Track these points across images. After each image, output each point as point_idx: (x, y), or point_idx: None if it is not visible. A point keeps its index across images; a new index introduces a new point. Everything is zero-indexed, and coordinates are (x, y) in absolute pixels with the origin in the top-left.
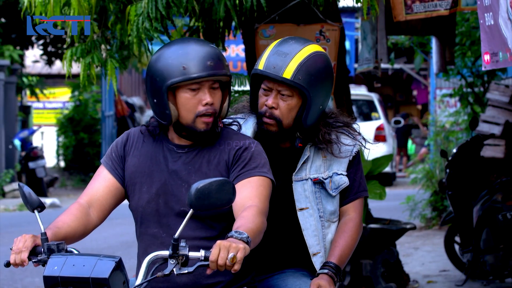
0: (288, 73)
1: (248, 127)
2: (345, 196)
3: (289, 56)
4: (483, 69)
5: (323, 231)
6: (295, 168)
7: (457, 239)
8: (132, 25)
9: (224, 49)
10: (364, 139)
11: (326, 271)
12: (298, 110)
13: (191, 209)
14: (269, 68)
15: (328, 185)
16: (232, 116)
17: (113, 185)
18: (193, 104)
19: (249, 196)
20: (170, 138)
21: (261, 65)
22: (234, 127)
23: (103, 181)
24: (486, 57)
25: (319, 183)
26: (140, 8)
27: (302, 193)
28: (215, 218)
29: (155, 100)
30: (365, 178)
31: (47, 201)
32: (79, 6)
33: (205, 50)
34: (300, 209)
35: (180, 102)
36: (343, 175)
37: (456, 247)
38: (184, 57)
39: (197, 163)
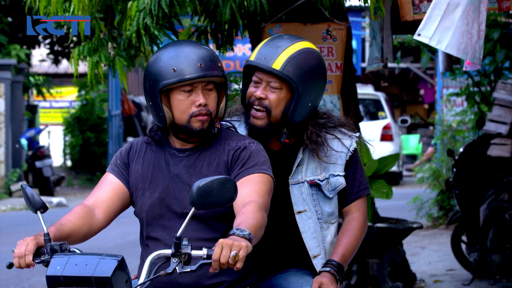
0: (277, 64)
1: (242, 129)
2: (347, 197)
3: (281, 48)
4: (464, 68)
5: (322, 233)
6: (290, 171)
7: (464, 238)
8: (132, 20)
9: (232, 49)
10: (360, 137)
11: (328, 269)
12: (286, 104)
13: (193, 208)
14: (260, 58)
15: (324, 187)
16: (228, 119)
17: (120, 188)
18: (186, 106)
19: (248, 193)
20: (171, 142)
21: (252, 56)
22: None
23: (109, 184)
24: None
25: (315, 185)
26: (142, 4)
27: (299, 196)
28: (218, 219)
29: (150, 103)
30: (372, 178)
31: (53, 200)
32: (79, 2)
33: (196, 52)
34: (298, 212)
35: (173, 104)
36: (340, 176)
37: (463, 246)
38: (175, 59)
39: (198, 165)
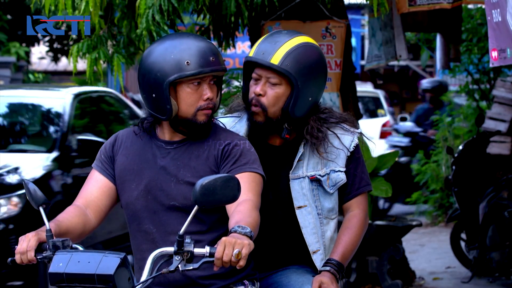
0: (276, 59)
1: (242, 124)
2: (347, 193)
3: (279, 43)
4: (490, 65)
5: (322, 229)
6: (291, 166)
7: (463, 236)
8: (142, 18)
9: (233, 46)
10: (361, 133)
11: (328, 268)
12: (286, 100)
13: (196, 206)
14: (258, 54)
15: (325, 183)
16: (228, 115)
17: (106, 185)
18: (194, 99)
19: (242, 191)
20: (159, 134)
21: (251, 52)
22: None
23: (95, 183)
24: (494, 54)
25: (316, 180)
26: (151, 1)
27: (300, 191)
28: (205, 211)
29: (153, 95)
30: (371, 175)
31: None
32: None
33: (205, 45)
34: (298, 207)
35: (181, 96)
36: (341, 171)
37: (462, 244)
38: (187, 52)
39: (186, 158)
